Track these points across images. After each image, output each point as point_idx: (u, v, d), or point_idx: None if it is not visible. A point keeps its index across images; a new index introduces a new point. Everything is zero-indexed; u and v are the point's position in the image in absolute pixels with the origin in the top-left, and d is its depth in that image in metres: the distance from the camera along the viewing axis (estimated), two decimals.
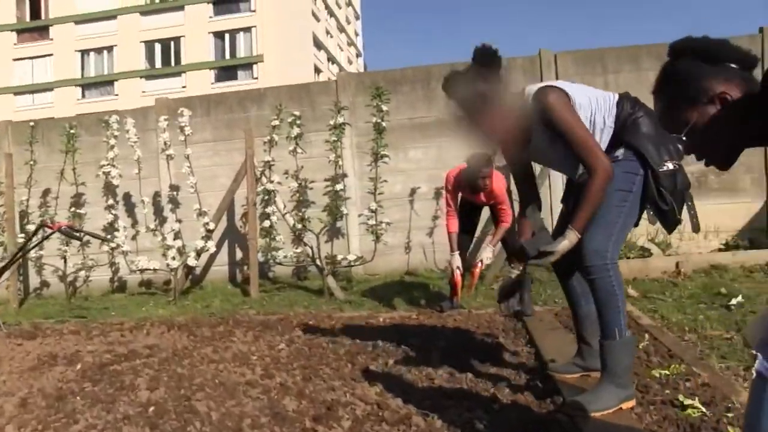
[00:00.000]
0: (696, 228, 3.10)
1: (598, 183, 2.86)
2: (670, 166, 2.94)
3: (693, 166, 7.07)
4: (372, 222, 6.81)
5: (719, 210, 7.65)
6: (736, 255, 6.90)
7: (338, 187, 6.95)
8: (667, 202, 2.93)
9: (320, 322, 5.46)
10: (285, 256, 7.16)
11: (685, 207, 3.02)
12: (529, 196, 3.39)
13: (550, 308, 5.46)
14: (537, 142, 3.11)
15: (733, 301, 5.42)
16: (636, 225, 3.09)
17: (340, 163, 7.08)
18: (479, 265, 5.41)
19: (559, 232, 3.09)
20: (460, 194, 5.56)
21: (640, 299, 5.80)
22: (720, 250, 7.44)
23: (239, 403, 3.50)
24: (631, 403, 2.97)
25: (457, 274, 5.40)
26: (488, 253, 5.44)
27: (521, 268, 3.22)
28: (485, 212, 5.90)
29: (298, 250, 7.08)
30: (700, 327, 4.84)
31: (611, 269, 2.93)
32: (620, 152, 3.00)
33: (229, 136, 7.94)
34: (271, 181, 6.92)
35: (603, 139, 3.04)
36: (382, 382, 3.67)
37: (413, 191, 7.70)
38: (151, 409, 3.43)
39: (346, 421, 3.04)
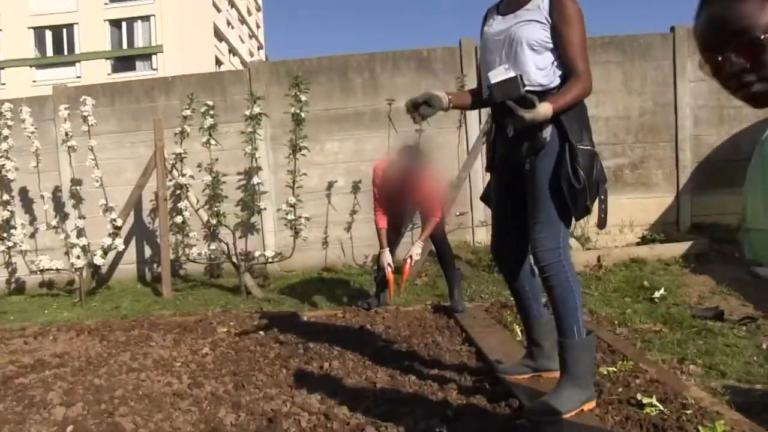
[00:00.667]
0: (602, 224, 2.95)
1: (580, 88, 2.80)
2: (588, 145, 2.85)
3: (610, 161, 7.25)
4: (291, 217, 6.55)
5: (634, 204, 7.86)
6: (654, 248, 7.10)
7: (255, 180, 6.63)
8: (580, 181, 2.76)
9: (242, 322, 5.19)
10: (199, 254, 6.80)
11: (597, 201, 2.88)
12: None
13: (479, 304, 5.40)
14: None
15: (657, 294, 5.56)
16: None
17: (256, 155, 6.76)
18: (409, 261, 5.28)
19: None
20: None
21: None
22: (637, 243, 7.63)
23: (168, 416, 3.23)
24: (592, 404, 2.92)
25: (389, 271, 5.24)
26: (418, 249, 5.32)
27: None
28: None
29: (213, 247, 6.74)
30: (629, 320, 4.92)
31: (566, 264, 2.86)
32: (548, 131, 2.85)
33: (136, 127, 7.44)
34: (183, 175, 6.53)
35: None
36: (323, 389, 3.48)
37: (330, 185, 7.47)
38: (69, 429, 3.11)
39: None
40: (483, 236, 7.59)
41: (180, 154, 6.57)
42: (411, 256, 5.27)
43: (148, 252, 7.56)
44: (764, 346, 4.18)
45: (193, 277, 7.45)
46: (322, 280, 7.05)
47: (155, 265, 7.50)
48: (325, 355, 4.13)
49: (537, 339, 3.30)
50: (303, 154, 6.67)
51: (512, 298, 3.51)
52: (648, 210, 7.97)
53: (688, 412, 2.91)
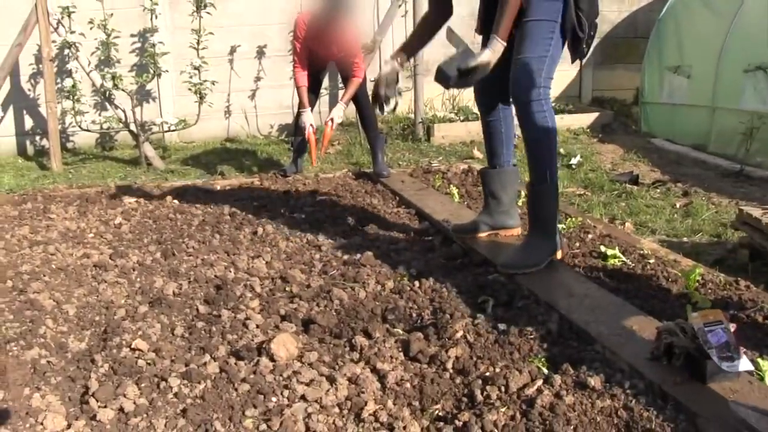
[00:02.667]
0: (583, 57, 2.89)
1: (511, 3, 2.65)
2: None
3: None
4: (196, 80, 5.97)
5: None
6: (563, 119, 7.13)
7: (154, 39, 5.94)
8: (583, 30, 2.71)
9: (150, 193, 4.72)
10: (92, 122, 6.13)
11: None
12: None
13: (402, 170, 5.20)
14: None
15: (573, 161, 5.66)
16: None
17: (156, 12, 6.02)
18: (330, 123, 4.96)
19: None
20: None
21: (485, 161, 5.77)
22: None
23: (94, 290, 2.87)
24: (560, 254, 2.84)
25: (310, 132, 4.90)
26: (339, 111, 5.00)
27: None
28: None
29: (108, 114, 6.08)
30: None
31: (544, 104, 2.73)
32: None
33: None
34: (72, 32, 5.72)
35: None
36: (264, 253, 3.22)
37: (233, 49, 6.85)
38: None
39: (251, 301, 2.57)
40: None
41: (68, 7, 5.73)
42: (332, 119, 4.95)
43: (29, 123, 6.73)
44: (677, 206, 4.36)
45: (84, 149, 6.76)
46: (226, 150, 6.61)
47: (38, 138, 6.72)
48: (255, 221, 3.83)
49: (496, 191, 3.16)
50: (209, 12, 6.03)
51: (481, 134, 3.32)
52: (554, 83, 7.96)
53: (650, 261, 2.91)
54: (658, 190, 4.87)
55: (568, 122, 7.11)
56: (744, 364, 1.80)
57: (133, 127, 5.92)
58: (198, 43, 5.98)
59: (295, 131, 5.24)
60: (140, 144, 5.91)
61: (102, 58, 6.20)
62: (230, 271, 2.97)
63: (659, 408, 1.76)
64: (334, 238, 3.44)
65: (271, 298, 2.63)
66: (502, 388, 1.89)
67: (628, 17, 8.23)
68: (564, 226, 3.45)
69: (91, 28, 5.85)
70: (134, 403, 1.85)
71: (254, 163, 6.07)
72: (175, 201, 4.38)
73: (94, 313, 2.61)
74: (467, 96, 7.01)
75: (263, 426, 1.76)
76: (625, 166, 5.73)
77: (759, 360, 1.95)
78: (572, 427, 1.70)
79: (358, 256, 3.05)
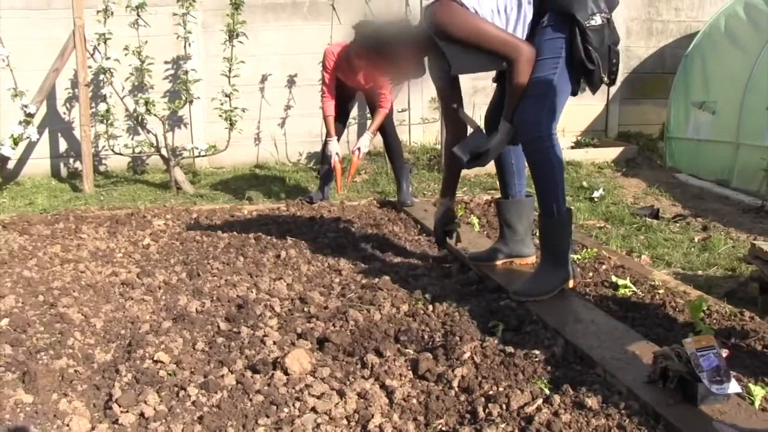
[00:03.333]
0: (612, 82, 2.93)
1: (521, 70, 2.78)
2: (598, 20, 2.75)
3: None
4: (226, 107, 6.17)
5: (567, 111, 7.82)
6: (588, 153, 7.28)
7: (187, 66, 6.16)
8: (593, 61, 2.75)
9: (179, 215, 4.89)
10: (125, 146, 6.34)
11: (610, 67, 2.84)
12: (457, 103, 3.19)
13: (426, 199, 5.31)
14: (452, 53, 2.86)
15: (596, 194, 5.71)
16: (574, 94, 2.92)
17: (190, 40, 6.26)
18: (357, 153, 5.10)
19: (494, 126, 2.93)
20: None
21: None
22: (571, 148, 7.72)
23: (120, 306, 3.01)
24: (572, 283, 2.91)
25: (336, 160, 5.05)
26: (366, 141, 5.13)
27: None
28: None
29: (140, 139, 6.30)
30: (574, 218, 4.98)
31: (547, 140, 2.80)
32: (545, 18, 2.81)
33: (46, 4, 6.71)
34: (108, 58, 5.97)
35: (523, 13, 2.85)
36: (286, 276, 3.34)
37: (264, 78, 7.09)
38: (4, 321, 2.75)
39: (270, 320, 2.68)
40: (420, 136, 7.47)
41: (104, 34, 5.98)
42: (359, 148, 5.09)
43: (63, 145, 7.00)
44: (696, 240, 4.39)
45: (116, 173, 7.00)
46: (255, 177, 6.79)
47: (72, 160, 6.98)
48: (279, 245, 3.96)
49: (511, 220, 3.25)
50: (240, 41, 6.24)
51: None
52: (579, 117, 8.08)
53: (660, 291, 2.97)
54: (678, 225, 4.91)
55: (592, 156, 7.20)
56: (733, 387, 1.87)
57: (164, 151, 6.12)
58: (230, 71, 6.19)
59: (322, 159, 5.39)
60: (170, 168, 6.10)
61: (136, 83, 6.44)
62: (252, 292, 3.09)
63: (651, 427, 1.83)
64: (355, 263, 3.55)
65: (289, 317, 2.74)
66: (504, 406, 1.97)
67: (655, 53, 8.33)
68: (579, 257, 3.52)
69: (126, 55, 6.07)
70: (154, 409, 1.97)
71: (282, 189, 6.22)
72: (203, 224, 4.53)
73: (120, 327, 2.74)
74: None
75: None
76: (647, 200, 5.77)
77: (751, 385, 2.01)
78: None
79: (376, 280, 3.16)
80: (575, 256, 3.52)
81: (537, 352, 2.32)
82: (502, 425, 1.88)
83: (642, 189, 6.24)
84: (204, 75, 6.68)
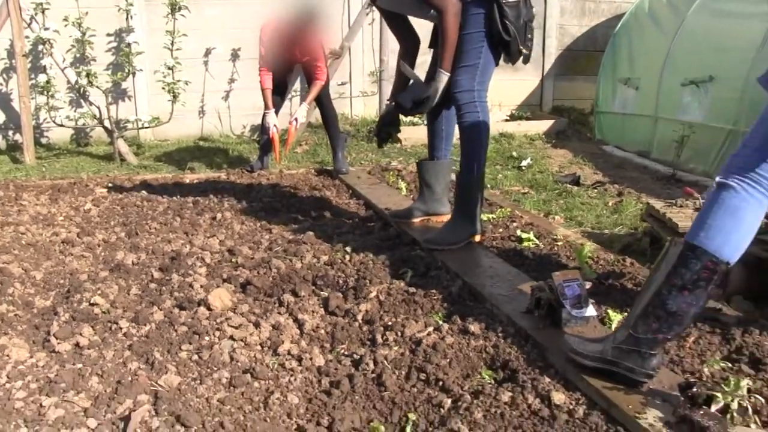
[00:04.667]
0: (526, 60, 3.23)
1: (449, 21, 3.02)
2: None
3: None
4: (169, 80, 6.31)
5: (504, 86, 8.20)
6: (521, 125, 7.61)
7: (129, 39, 6.27)
8: (510, 33, 3.03)
9: (121, 184, 5.05)
10: (68, 118, 6.43)
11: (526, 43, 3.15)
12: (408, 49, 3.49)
13: (361, 168, 5.58)
14: None
15: (524, 163, 6.04)
16: (496, 64, 3.21)
17: (132, 12, 6.35)
18: (294, 123, 5.33)
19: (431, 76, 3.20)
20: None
21: None
22: (505, 120, 8.05)
23: (61, 262, 3.20)
24: (479, 237, 3.21)
25: (274, 132, 5.27)
26: (303, 112, 5.37)
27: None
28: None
29: (83, 111, 6.40)
30: (500, 184, 5.34)
31: (479, 106, 3.10)
32: None
33: None
34: (47, 29, 6.02)
35: None
36: (220, 234, 3.57)
37: (208, 51, 7.21)
38: None
39: (200, 269, 2.93)
40: (361, 108, 7.71)
41: (41, 4, 6.01)
42: (296, 118, 5.32)
43: (2, 117, 7.02)
44: (610, 204, 4.75)
45: (58, 145, 7.06)
46: (199, 149, 6.94)
47: (11, 132, 7.00)
48: (216, 208, 4.18)
49: (430, 181, 3.53)
50: (183, 15, 6.37)
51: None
52: (516, 91, 8.43)
53: (559, 243, 3.30)
54: (596, 191, 5.27)
55: (525, 128, 7.54)
56: (590, 311, 2.20)
57: (107, 123, 6.22)
58: (172, 44, 6.31)
59: (261, 130, 5.60)
60: (114, 140, 6.22)
61: (77, 55, 6.50)
62: (186, 247, 3.32)
63: (520, 346, 2.15)
64: (285, 223, 3.80)
65: (217, 266, 2.99)
66: (399, 333, 2.27)
67: (587, 31, 8.71)
68: (494, 215, 3.84)
69: (65, 26, 6.12)
70: (89, 339, 2.21)
71: (225, 160, 6.41)
72: (144, 191, 4.71)
73: (59, 278, 2.95)
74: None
75: (195, 356, 2.13)
76: (571, 169, 6.13)
77: (610, 311, 2.35)
78: (448, 360, 2.08)
79: (302, 236, 3.42)
80: (490, 215, 3.83)
81: (436, 291, 2.62)
82: (395, 348, 2.18)
83: (568, 159, 6.61)
84: (147, 48, 6.78)
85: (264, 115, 5.38)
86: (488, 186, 5.20)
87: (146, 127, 6.69)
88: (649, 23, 7.06)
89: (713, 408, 1.70)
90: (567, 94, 8.73)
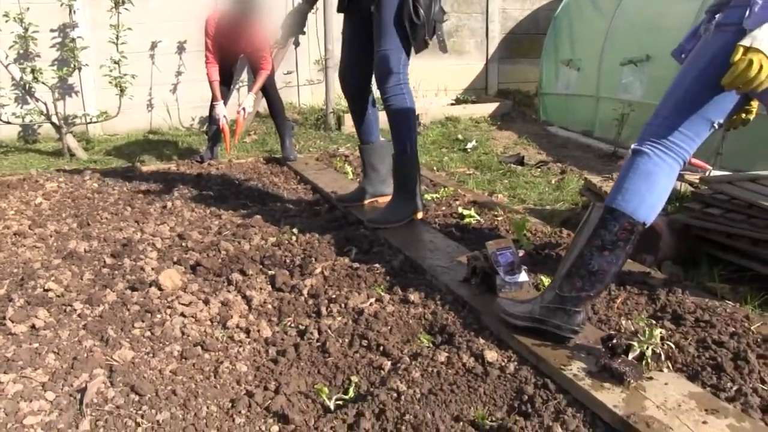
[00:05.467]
0: (443, 48, 3.32)
1: None
2: None
3: None
4: (116, 74, 6.31)
5: (449, 70, 8.41)
6: (466, 108, 7.80)
7: (74, 34, 6.25)
8: (420, 18, 3.12)
9: (71, 178, 5.07)
10: (14, 114, 6.39)
11: (436, 36, 3.25)
12: None
13: (310, 155, 5.68)
14: None
15: (469, 146, 6.22)
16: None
17: (75, 7, 6.32)
18: (242, 113, 5.41)
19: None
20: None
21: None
22: (451, 104, 8.23)
23: (13, 253, 3.25)
24: (420, 214, 3.36)
25: (223, 123, 5.34)
26: (250, 101, 5.45)
27: None
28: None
29: (30, 107, 6.36)
30: (446, 166, 5.50)
31: (405, 88, 3.24)
32: None
33: None
34: None
35: None
36: (170, 221, 3.65)
37: (154, 45, 7.21)
38: None
39: (151, 253, 3.02)
40: (308, 97, 7.80)
41: None
42: (244, 108, 5.40)
43: None
44: (553, 181, 4.94)
45: (5, 143, 7.00)
46: (148, 142, 6.96)
47: None
48: (166, 197, 4.25)
49: (375, 163, 3.67)
50: (127, 9, 6.37)
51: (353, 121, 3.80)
52: (461, 76, 8.61)
53: (499, 218, 3.46)
54: (540, 170, 5.47)
55: (470, 111, 7.73)
56: (523, 276, 2.36)
57: (55, 119, 6.20)
58: (117, 38, 6.31)
59: (209, 121, 5.66)
60: (63, 136, 6.20)
61: (21, 51, 6.46)
62: (137, 234, 3.40)
63: (457, 311, 2.31)
64: (234, 208, 3.90)
65: (168, 251, 3.08)
66: (343, 305, 2.40)
67: (530, 15, 8.93)
68: (437, 195, 3.99)
69: (6, 21, 6.08)
70: (44, 321, 2.29)
71: (174, 152, 6.44)
72: (95, 184, 4.75)
73: (12, 267, 3.00)
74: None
75: (147, 333, 2.24)
76: (515, 149, 6.33)
77: (543, 277, 2.52)
78: (389, 327, 2.22)
79: (250, 220, 3.53)
80: (434, 195, 3.98)
81: (378, 265, 2.76)
82: (339, 318, 2.32)
83: (513, 140, 6.81)
84: (92, 42, 6.76)
85: (213, 107, 5.44)
86: (434, 168, 5.37)
87: (95, 122, 6.68)
88: (588, 5, 7.28)
89: (630, 356, 1.88)
90: (512, 77, 8.94)
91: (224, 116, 5.34)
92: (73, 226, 3.66)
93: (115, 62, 6.28)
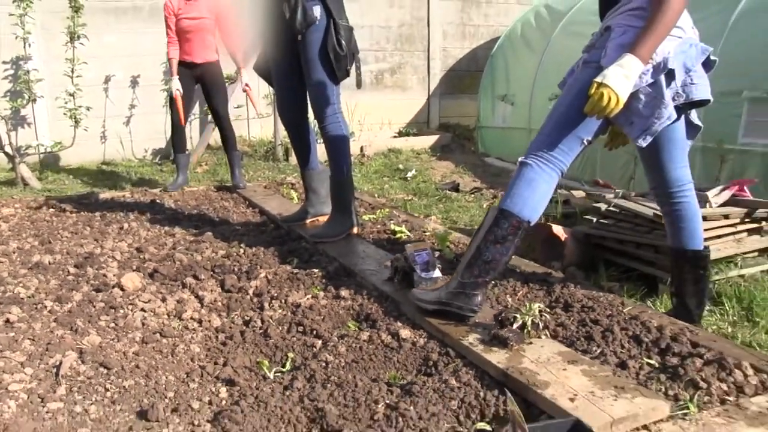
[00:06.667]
0: (359, 84, 3.69)
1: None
2: (347, 23, 3.58)
3: (372, 65, 8.14)
4: (71, 106, 6.59)
5: (392, 105, 8.95)
6: (408, 140, 8.31)
7: (28, 66, 6.52)
8: (343, 49, 3.51)
9: (27, 205, 5.30)
10: None
11: (354, 68, 3.64)
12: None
13: (258, 183, 6.05)
14: None
15: (409, 174, 6.69)
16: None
17: (30, 41, 6.59)
18: (248, 89, 5.91)
19: None
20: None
21: None
22: (393, 137, 8.71)
23: None
24: (356, 229, 3.75)
25: (177, 95, 5.70)
26: (246, 77, 5.84)
27: None
28: None
29: None
30: (387, 193, 5.93)
31: (340, 116, 3.64)
32: (317, 11, 3.51)
33: None
34: None
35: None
36: (127, 239, 3.96)
37: (108, 78, 7.52)
38: None
39: (112, 263, 3.34)
40: (258, 130, 8.19)
41: None
42: (247, 84, 5.88)
43: None
44: (484, 206, 5.40)
45: None
46: (102, 172, 7.22)
47: None
48: (122, 220, 4.55)
49: (316, 187, 4.05)
50: (82, 43, 6.68)
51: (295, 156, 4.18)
52: (404, 110, 9.14)
53: (427, 234, 3.88)
54: (473, 196, 5.93)
55: (412, 143, 8.22)
56: (437, 273, 2.77)
57: (8, 149, 6.41)
58: (72, 71, 6.60)
59: (174, 149, 5.95)
60: (16, 165, 6.41)
61: None
62: (98, 249, 3.71)
63: (381, 303, 2.71)
64: (187, 228, 4.23)
65: (127, 261, 3.41)
66: (284, 301, 2.78)
67: (469, 53, 9.54)
68: (374, 216, 4.39)
69: None
70: (17, 316, 2.60)
71: (128, 182, 6.72)
72: (51, 209, 5.01)
73: None
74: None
75: (112, 324, 2.57)
76: (452, 178, 6.81)
77: None
78: (322, 317, 2.61)
79: (203, 237, 3.87)
80: (371, 216, 4.38)
81: (316, 270, 3.15)
82: (279, 311, 2.69)
83: (450, 170, 7.30)
84: (46, 75, 7.03)
85: (171, 82, 5.77)
86: (375, 195, 5.79)
87: (48, 152, 6.92)
88: (521, 44, 7.88)
89: (515, 326, 2.30)
90: (452, 111, 9.51)
91: (177, 89, 5.70)
92: (35, 244, 3.93)
93: (70, 94, 6.57)
